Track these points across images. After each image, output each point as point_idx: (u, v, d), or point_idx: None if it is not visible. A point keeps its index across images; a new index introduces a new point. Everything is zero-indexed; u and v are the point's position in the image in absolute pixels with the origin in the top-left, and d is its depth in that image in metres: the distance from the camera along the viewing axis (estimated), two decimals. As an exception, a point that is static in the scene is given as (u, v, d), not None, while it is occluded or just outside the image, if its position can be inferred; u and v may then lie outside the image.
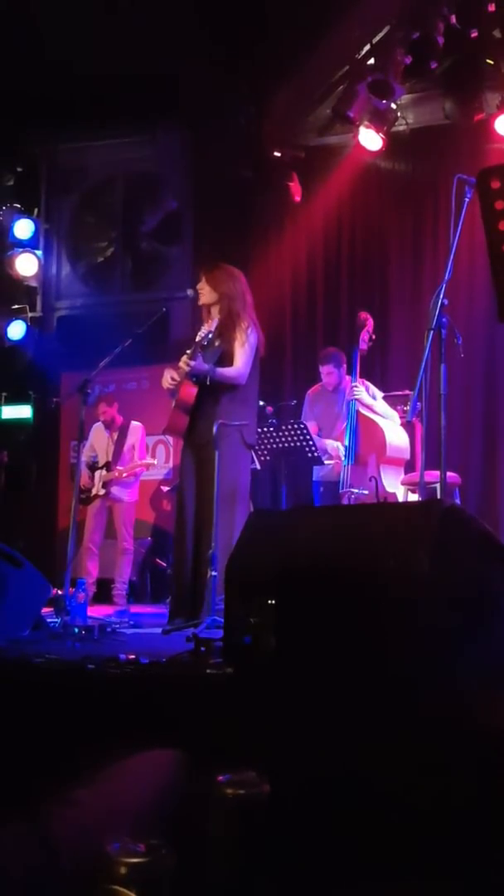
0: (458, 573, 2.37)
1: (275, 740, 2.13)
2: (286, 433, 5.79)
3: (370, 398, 6.11)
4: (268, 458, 5.95)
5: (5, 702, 2.55)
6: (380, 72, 6.85)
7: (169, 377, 4.80)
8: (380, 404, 6.14)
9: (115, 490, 6.99)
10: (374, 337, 6.27)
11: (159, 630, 4.56)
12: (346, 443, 5.98)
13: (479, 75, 6.93)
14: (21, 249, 8.56)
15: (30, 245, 8.63)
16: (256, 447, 5.54)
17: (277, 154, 7.74)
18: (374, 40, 7.05)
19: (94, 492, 6.98)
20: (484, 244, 2.91)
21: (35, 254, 8.64)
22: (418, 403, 4.06)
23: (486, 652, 2.38)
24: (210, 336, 4.79)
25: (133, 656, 2.92)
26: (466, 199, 3.91)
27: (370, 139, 7.27)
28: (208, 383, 4.69)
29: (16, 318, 8.60)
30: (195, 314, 5.65)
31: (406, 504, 5.43)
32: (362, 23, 6.98)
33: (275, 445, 5.83)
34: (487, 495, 7.12)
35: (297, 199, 7.80)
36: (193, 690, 2.53)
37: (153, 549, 7.87)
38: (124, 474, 6.93)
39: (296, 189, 7.75)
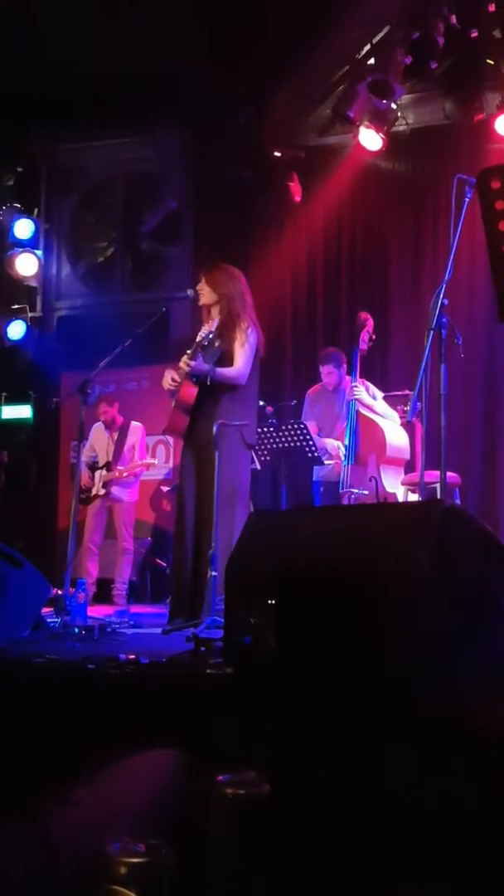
0: (458, 573, 2.37)
1: (275, 740, 2.13)
2: (286, 433, 5.79)
3: (370, 398, 6.12)
4: (268, 458, 5.95)
5: (5, 702, 2.55)
6: (380, 72, 6.85)
7: (169, 378, 4.81)
8: (380, 404, 6.14)
9: (115, 490, 6.99)
10: (374, 337, 6.27)
11: (159, 630, 4.56)
12: (346, 443, 5.99)
13: (479, 75, 6.93)
14: (21, 249, 8.56)
15: (30, 245, 8.63)
16: (256, 447, 5.54)
17: (277, 154, 7.74)
18: (374, 40, 7.05)
19: (94, 492, 6.98)
20: (484, 244, 2.91)
21: (35, 254, 8.64)
22: (418, 403, 4.06)
23: (486, 652, 2.38)
24: (210, 337, 4.79)
25: (133, 656, 2.92)
26: (466, 200, 3.91)
27: (370, 139, 7.27)
28: (208, 383, 4.69)
29: (16, 318, 8.60)
30: (195, 314, 5.65)
31: (406, 504, 5.43)
32: (362, 23, 6.98)
33: (275, 445, 5.83)
34: (487, 495, 7.12)
35: (297, 199, 7.80)
36: (193, 690, 2.53)
37: (153, 549, 7.87)
38: (124, 474, 6.93)
39: (296, 189, 7.75)
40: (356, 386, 6.06)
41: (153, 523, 8.08)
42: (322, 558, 2.50)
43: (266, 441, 5.82)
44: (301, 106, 7.72)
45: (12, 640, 3.64)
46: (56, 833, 1.40)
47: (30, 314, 8.73)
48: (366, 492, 5.81)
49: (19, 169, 8.86)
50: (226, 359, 4.77)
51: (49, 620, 4.32)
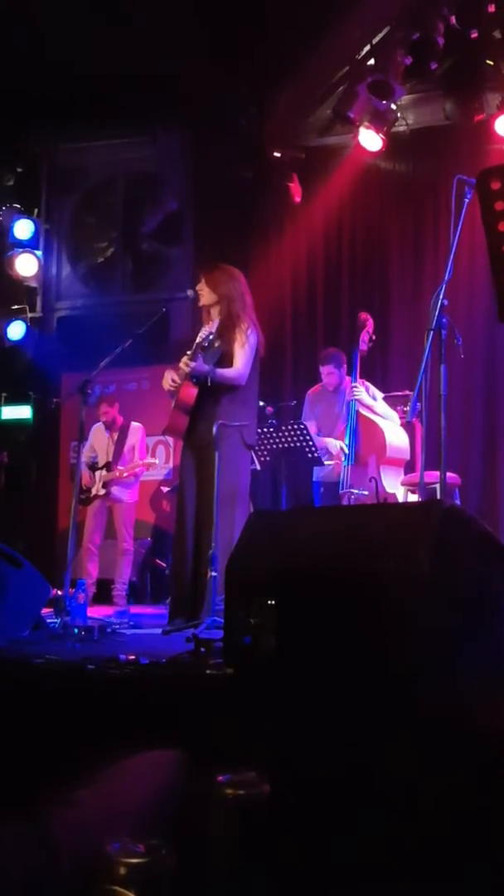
0: (458, 573, 2.37)
1: (275, 740, 2.13)
2: (286, 433, 5.79)
3: (370, 399, 6.12)
4: (268, 458, 5.95)
5: (5, 702, 2.55)
6: (380, 72, 6.85)
7: (169, 378, 4.81)
8: (380, 405, 6.14)
9: (115, 490, 6.98)
10: (374, 337, 6.28)
11: (159, 630, 4.56)
12: (347, 443, 5.99)
13: (479, 76, 6.94)
14: (21, 250, 8.56)
15: (30, 245, 8.63)
16: (256, 447, 5.54)
17: (277, 154, 7.74)
18: (374, 41, 7.06)
19: (94, 492, 6.98)
20: (484, 244, 2.91)
21: (35, 254, 8.64)
22: (418, 404, 4.06)
23: (486, 652, 2.38)
24: (210, 338, 4.79)
25: (133, 657, 2.92)
26: (466, 200, 3.91)
27: (370, 140, 7.27)
28: (208, 384, 4.69)
29: (16, 319, 8.60)
30: (195, 315, 5.65)
31: (406, 504, 5.43)
32: (362, 23, 6.99)
33: (275, 446, 5.83)
34: (487, 495, 7.12)
35: (298, 199, 7.80)
36: (193, 691, 2.53)
37: (153, 549, 7.87)
38: (125, 474, 6.93)
39: (296, 189, 7.75)
40: (356, 386, 6.06)
41: (153, 524, 8.08)
42: (322, 558, 2.50)
43: (266, 441, 5.82)
44: (301, 106, 7.72)
45: (12, 641, 3.63)
46: (56, 833, 1.40)
47: (30, 314, 8.72)
48: (366, 492, 5.82)
49: (19, 169, 8.86)
50: (226, 359, 4.77)
51: (49, 621, 4.32)
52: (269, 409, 6.59)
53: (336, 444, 6.07)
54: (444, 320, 3.92)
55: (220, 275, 4.95)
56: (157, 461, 7.54)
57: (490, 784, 1.90)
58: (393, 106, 7.13)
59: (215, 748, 2.05)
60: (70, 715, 2.49)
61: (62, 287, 9.00)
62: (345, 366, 6.31)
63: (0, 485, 8.49)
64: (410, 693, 2.14)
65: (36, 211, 8.81)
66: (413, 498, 5.77)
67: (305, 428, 5.79)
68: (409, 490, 5.93)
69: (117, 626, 4.71)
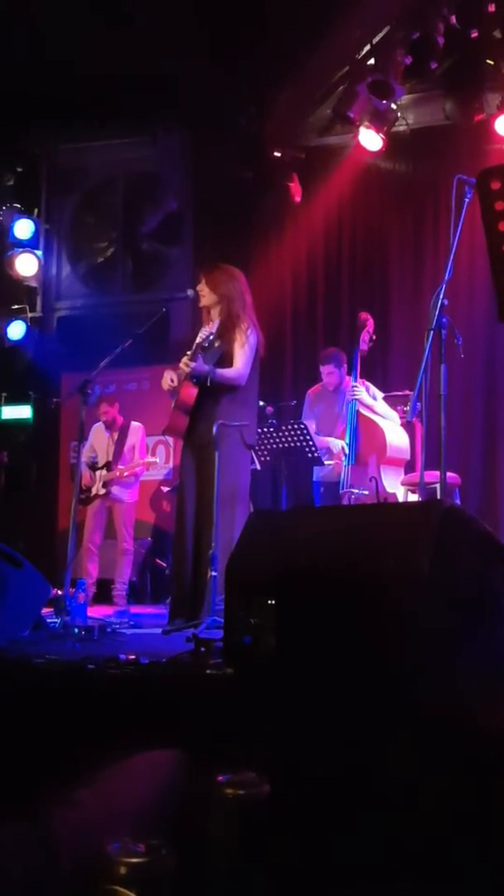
0: (458, 573, 2.37)
1: (275, 740, 2.13)
2: (286, 433, 5.79)
3: (370, 398, 6.12)
4: (268, 458, 5.95)
5: (5, 702, 2.55)
6: (380, 72, 6.85)
7: (168, 378, 4.81)
8: (380, 405, 6.14)
9: (115, 490, 6.98)
10: (374, 337, 6.28)
11: (159, 630, 4.56)
12: (347, 443, 5.99)
13: (479, 76, 6.93)
14: (21, 249, 8.56)
15: (30, 245, 8.63)
16: (256, 447, 5.54)
17: (278, 154, 7.74)
18: (374, 40, 7.06)
19: (94, 491, 6.98)
20: (484, 244, 2.91)
21: (35, 254, 8.64)
22: (418, 404, 4.06)
23: (486, 652, 2.38)
24: (210, 338, 4.79)
25: (133, 656, 2.92)
26: (466, 200, 3.91)
27: (370, 139, 7.27)
28: (208, 384, 4.69)
29: (16, 318, 8.60)
30: (195, 314, 5.65)
31: (406, 504, 5.43)
32: (362, 23, 6.99)
33: (275, 445, 5.83)
34: (487, 495, 7.12)
35: (298, 199, 7.80)
36: (193, 690, 2.53)
37: (153, 549, 7.87)
38: (125, 473, 6.93)
39: (296, 189, 7.75)
40: (356, 386, 6.06)
41: (153, 523, 8.07)
42: (322, 558, 2.50)
43: (266, 441, 5.82)
44: (301, 106, 7.72)
45: (12, 641, 3.63)
46: (56, 833, 1.40)
47: (30, 314, 8.72)
48: (366, 492, 5.82)
49: (19, 169, 8.86)
50: (226, 359, 4.77)
51: (49, 621, 4.32)
52: (269, 409, 6.59)
53: (338, 444, 6.07)
54: (444, 320, 3.92)
55: (220, 275, 4.95)
56: (157, 460, 7.54)
57: (490, 784, 1.90)
58: (393, 106, 7.13)
59: (215, 748, 2.05)
60: (70, 715, 2.49)
61: (62, 287, 9.00)
62: (345, 365, 6.31)
63: (0, 485, 8.49)
64: (410, 693, 2.14)
65: (36, 211, 8.81)
66: (413, 498, 5.77)
67: (305, 428, 5.79)
68: (409, 490, 5.93)
69: (117, 626, 4.71)
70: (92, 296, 8.91)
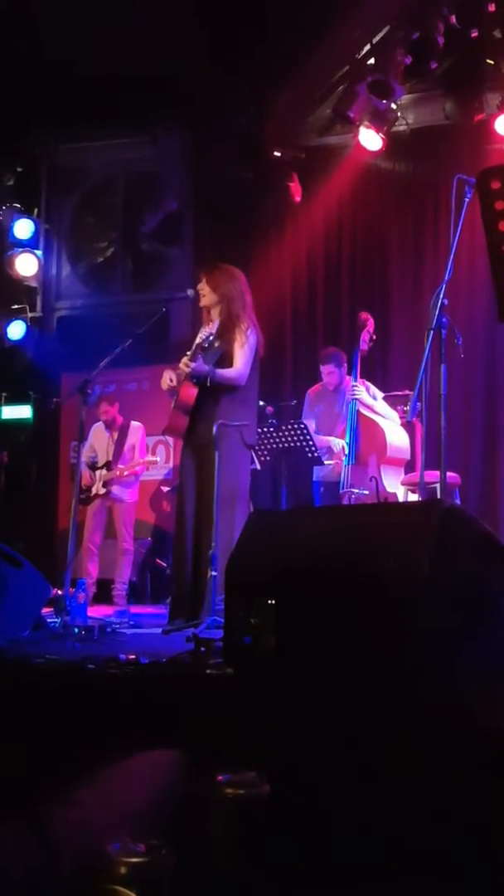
0: (458, 573, 2.37)
1: (275, 740, 2.13)
2: (286, 433, 5.79)
3: (370, 398, 6.12)
4: (268, 458, 5.95)
5: (5, 702, 2.55)
6: (380, 72, 6.85)
7: (168, 378, 4.81)
8: (380, 404, 6.14)
9: (115, 490, 6.98)
10: (374, 337, 6.28)
11: (159, 630, 4.56)
12: (347, 442, 5.99)
13: (479, 75, 6.93)
14: (21, 249, 8.56)
15: (30, 245, 8.63)
16: (256, 447, 5.54)
17: (277, 154, 7.74)
18: (374, 40, 7.06)
19: (94, 491, 6.98)
20: (484, 244, 2.91)
21: (35, 254, 8.64)
22: (418, 403, 4.06)
23: (486, 652, 2.38)
24: (210, 338, 4.79)
25: (133, 656, 2.92)
26: (466, 200, 3.91)
27: (370, 139, 7.27)
28: (208, 385, 4.69)
29: (16, 318, 8.60)
30: (195, 314, 5.65)
31: (406, 504, 5.43)
32: (362, 23, 6.99)
33: (275, 445, 5.83)
34: (487, 495, 7.12)
35: (298, 199, 7.80)
36: (193, 690, 2.53)
37: (153, 549, 7.87)
38: (125, 473, 6.93)
39: (296, 189, 7.75)
40: (356, 386, 6.06)
41: (153, 523, 8.07)
42: (322, 558, 2.50)
43: (266, 441, 5.82)
44: (301, 106, 7.72)
45: (12, 640, 3.63)
46: (56, 833, 1.40)
47: (30, 314, 8.72)
48: (366, 492, 5.82)
49: (19, 169, 8.86)
50: (225, 359, 4.77)
51: (49, 621, 4.32)
52: (269, 409, 6.59)
53: (338, 443, 6.07)
54: (444, 320, 3.92)
55: (220, 275, 4.95)
56: (157, 459, 7.53)
57: (490, 784, 1.90)
58: (393, 105, 7.13)
59: (215, 748, 2.05)
60: (70, 715, 2.49)
61: (62, 287, 9.00)
62: (345, 365, 6.30)
63: (0, 485, 8.49)
64: (410, 693, 2.14)
65: (36, 211, 8.81)
66: (413, 498, 5.77)
67: (305, 427, 5.79)
68: (409, 490, 5.93)
69: (117, 626, 4.71)
70: (92, 296, 8.91)
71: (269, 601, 2.46)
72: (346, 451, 5.98)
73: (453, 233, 3.96)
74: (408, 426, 5.94)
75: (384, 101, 6.97)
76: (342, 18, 6.80)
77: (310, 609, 2.41)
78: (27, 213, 8.70)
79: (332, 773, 2.03)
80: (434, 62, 6.77)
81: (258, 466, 5.95)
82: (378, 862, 1.89)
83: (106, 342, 5.22)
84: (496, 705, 2.15)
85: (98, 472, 7.03)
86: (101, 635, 4.05)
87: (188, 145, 8.29)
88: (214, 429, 4.57)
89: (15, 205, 8.66)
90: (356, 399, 6.02)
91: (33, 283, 8.77)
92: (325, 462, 6.05)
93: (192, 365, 4.66)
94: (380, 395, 6.27)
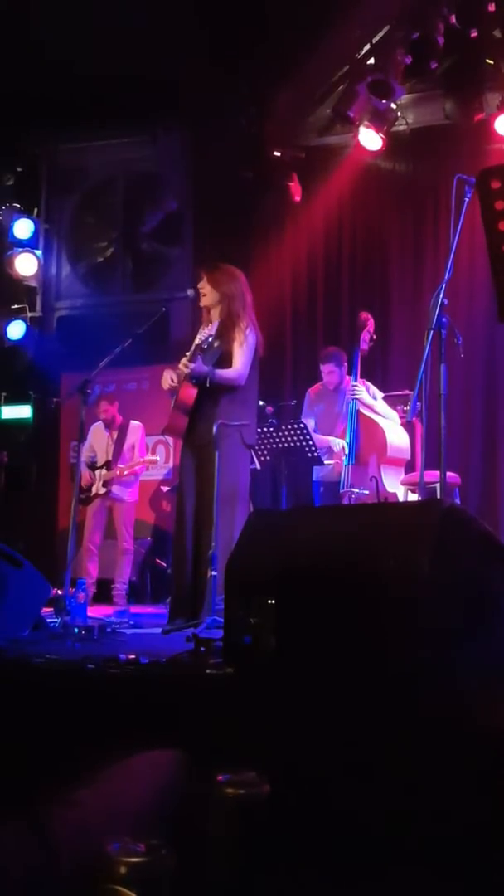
0: (458, 573, 2.37)
1: (275, 740, 2.13)
2: (286, 433, 5.79)
3: (370, 398, 6.12)
4: (268, 458, 5.95)
5: (5, 702, 2.55)
6: (380, 72, 6.85)
7: (168, 378, 4.81)
8: (380, 404, 6.14)
9: (115, 489, 6.98)
10: (374, 337, 6.28)
11: (159, 630, 4.56)
12: (347, 442, 5.99)
13: (479, 75, 6.93)
14: (21, 249, 8.56)
15: (30, 245, 8.63)
16: (256, 447, 5.54)
17: (278, 154, 7.74)
18: (374, 40, 7.06)
19: (94, 490, 6.98)
20: (484, 244, 2.91)
21: (35, 254, 8.64)
22: (418, 403, 4.06)
23: (486, 652, 2.38)
24: (210, 339, 4.79)
25: (133, 656, 2.92)
26: (466, 199, 3.91)
27: (370, 139, 7.28)
28: (208, 385, 4.69)
29: (16, 318, 8.60)
30: (195, 314, 5.64)
31: (406, 504, 5.43)
32: (362, 23, 6.99)
33: (275, 445, 5.83)
34: (487, 495, 7.12)
35: (298, 199, 7.80)
36: (193, 690, 2.53)
37: (153, 549, 7.87)
38: (125, 472, 6.93)
39: (296, 189, 7.75)
40: (356, 386, 6.06)
41: (153, 523, 8.07)
42: (322, 558, 2.50)
43: (266, 441, 5.82)
44: (301, 106, 7.72)
45: (12, 640, 3.63)
46: (56, 833, 1.40)
47: (30, 314, 8.73)
48: (366, 492, 5.82)
49: (19, 169, 8.86)
50: (225, 359, 4.77)
51: (49, 620, 4.32)
52: (269, 409, 6.59)
53: (339, 443, 6.07)
54: (444, 320, 3.92)
55: (221, 274, 4.95)
56: (157, 458, 7.53)
57: (490, 784, 1.90)
58: (393, 105, 7.14)
59: (215, 748, 2.05)
60: (70, 715, 2.49)
61: (62, 287, 9.00)
62: (345, 365, 6.31)
63: (0, 485, 8.49)
64: (410, 693, 2.14)
65: (36, 211, 8.81)
66: (413, 497, 5.77)
67: (305, 427, 5.79)
68: (409, 489, 5.93)
69: (117, 626, 4.71)
70: (92, 296, 8.91)
71: (269, 601, 2.46)
72: (346, 451, 5.98)
73: (453, 232, 3.96)
74: (408, 426, 5.94)
75: (384, 101, 6.97)
76: (342, 18, 6.80)
77: (310, 609, 2.41)
78: (27, 212, 8.70)
79: (332, 773, 2.03)
80: (434, 62, 6.77)
81: (258, 466, 5.95)
82: (378, 862, 1.89)
83: (106, 342, 5.22)
84: (496, 705, 2.15)
85: (98, 472, 7.02)
86: (100, 635, 4.05)
87: (188, 145, 8.29)
88: (214, 429, 4.57)
89: (15, 205, 8.66)
90: (356, 399, 6.02)
91: (33, 283, 8.78)
92: (325, 462, 6.05)
93: (192, 366, 4.66)
94: (380, 394, 6.27)
